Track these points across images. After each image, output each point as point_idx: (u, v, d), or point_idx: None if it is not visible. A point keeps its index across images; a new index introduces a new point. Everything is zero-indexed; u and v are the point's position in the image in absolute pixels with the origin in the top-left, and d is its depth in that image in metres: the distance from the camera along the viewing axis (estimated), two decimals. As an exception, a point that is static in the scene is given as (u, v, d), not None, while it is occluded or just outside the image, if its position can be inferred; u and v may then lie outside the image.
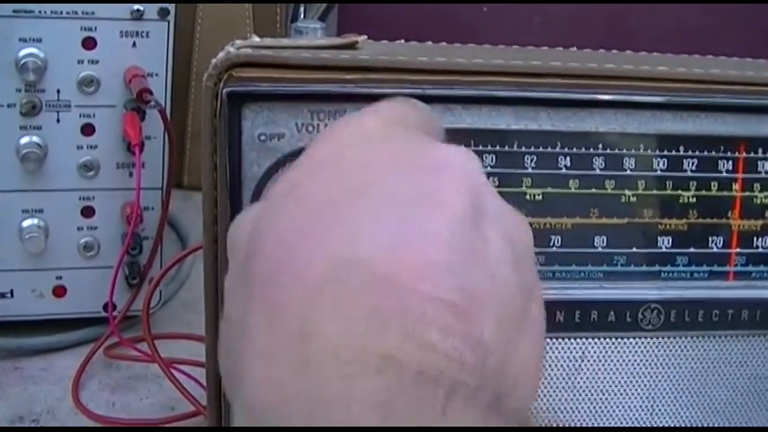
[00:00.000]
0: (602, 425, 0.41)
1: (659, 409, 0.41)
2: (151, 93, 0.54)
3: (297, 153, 0.37)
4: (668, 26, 1.06)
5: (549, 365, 0.40)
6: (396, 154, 0.28)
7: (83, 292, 0.60)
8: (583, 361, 0.40)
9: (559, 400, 0.41)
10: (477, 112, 0.38)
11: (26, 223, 0.57)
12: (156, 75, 0.57)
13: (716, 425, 0.42)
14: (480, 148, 0.38)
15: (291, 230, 0.26)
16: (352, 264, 0.25)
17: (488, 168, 0.38)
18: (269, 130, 0.37)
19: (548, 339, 0.40)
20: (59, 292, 0.59)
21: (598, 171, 0.39)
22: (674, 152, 0.40)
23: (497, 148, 0.38)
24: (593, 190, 0.39)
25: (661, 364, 0.41)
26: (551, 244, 0.40)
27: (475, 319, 0.25)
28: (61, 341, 0.59)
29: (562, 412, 0.41)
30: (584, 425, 0.41)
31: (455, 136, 0.37)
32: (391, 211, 0.26)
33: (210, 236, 0.38)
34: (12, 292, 0.59)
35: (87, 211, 0.58)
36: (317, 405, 0.23)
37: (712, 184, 0.40)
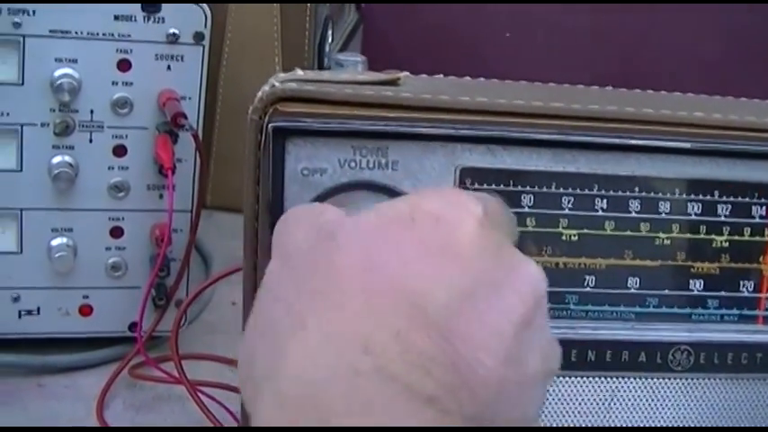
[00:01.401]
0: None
1: (686, 451, 0.42)
2: (185, 117, 0.55)
3: (339, 188, 0.37)
4: (685, 53, 1.07)
5: (580, 403, 0.40)
6: (484, 246, 0.30)
7: (109, 311, 0.60)
8: (613, 400, 0.41)
9: (588, 438, 0.41)
10: (518, 153, 0.38)
11: (55, 242, 0.58)
12: (190, 98, 0.58)
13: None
14: (519, 188, 0.39)
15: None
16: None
17: (526, 209, 0.39)
18: (312, 165, 0.37)
19: (579, 377, 0.40)
20: (85, 310, 0.60)
21: (634, 214, 0.40)
22: (708, 197, 0.40)
23: (536, 188, 0.39)
24: (629, 232, 0.40)
25: (690, 405, 0.41)
26: (585, 284, 0.40)
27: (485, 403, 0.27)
28: (85, 360, 0.59)
29: (590, 451, 0.41)
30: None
31: (495, 176, 0.38)
32: (467, 279, 0.28)
33: (251, 264, 0.38)
34: (38, 309, 0.59)
35: (116, 232, 0.59)
36: None
37: (745, 229, 0.41)
